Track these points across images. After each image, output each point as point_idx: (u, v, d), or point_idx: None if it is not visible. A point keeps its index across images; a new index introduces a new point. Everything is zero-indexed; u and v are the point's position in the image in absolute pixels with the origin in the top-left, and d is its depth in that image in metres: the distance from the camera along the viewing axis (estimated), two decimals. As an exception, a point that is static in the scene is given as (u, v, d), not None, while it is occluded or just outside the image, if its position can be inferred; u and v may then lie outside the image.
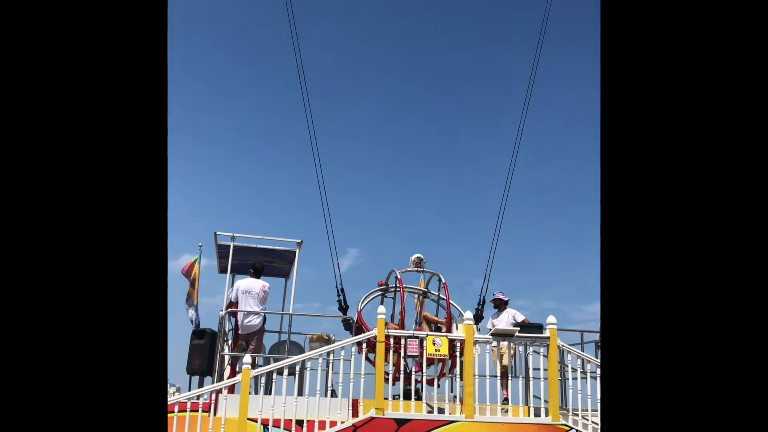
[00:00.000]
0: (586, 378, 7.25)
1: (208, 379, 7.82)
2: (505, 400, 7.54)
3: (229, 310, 7.91)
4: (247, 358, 6.74)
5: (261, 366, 7.16)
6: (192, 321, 8.51)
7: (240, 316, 7.87)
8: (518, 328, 7.40)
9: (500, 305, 8.42)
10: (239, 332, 7.89)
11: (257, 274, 8.23)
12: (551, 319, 7.36)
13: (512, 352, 7.70)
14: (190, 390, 7.69)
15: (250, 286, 8.02)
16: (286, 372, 6.90)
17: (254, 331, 7.88)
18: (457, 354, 7.08)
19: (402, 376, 7.16)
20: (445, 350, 7.05)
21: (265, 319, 8.05)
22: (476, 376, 6.99)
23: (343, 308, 8.33)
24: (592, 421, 7.01)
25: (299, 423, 6.58)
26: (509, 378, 7.75)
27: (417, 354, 7.07)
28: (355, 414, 6.80)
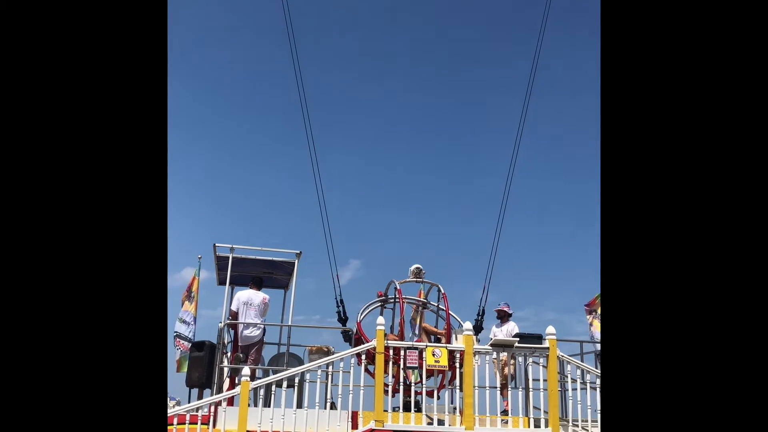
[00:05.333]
0: (586, 389, 7.23)
1: (207, 391, 7.80)
2: (504, 412, 7.52)
3: (228, 322, 7.91)
4: (246, 370, 6.73)
5: (260, 378, 7.13)
6: (178, 334, 8.57)
7: (240, 327, 7.87)
8: (518, 339, 7.38)
9: (503, 317, 8.44)
10: (239, 344, 7.89)
11: (258, 286, 8.26)
12: (550, 329, 7.34)
13: (512, 362, 7.69)
14: (189, 402, 7.66)
15: (251, 297, 8.06)
16: (285, 384, 6.88)
17: (254, 343, 7.88)
18: (457, 365, 7.07)
19: (402, 387, 7.14)
20: (444, 361, 7.04)
21: (264, 331, 8.07)
22: (476, 388, 6.97)
23: (343, 320, 8.33)
24: (593, 432, 6.99)
25: (299, 435, 6.55)
26: (509, 389, 7.73)
27: (416, 365, 7.05)
28: (354, 426, 6.78)
